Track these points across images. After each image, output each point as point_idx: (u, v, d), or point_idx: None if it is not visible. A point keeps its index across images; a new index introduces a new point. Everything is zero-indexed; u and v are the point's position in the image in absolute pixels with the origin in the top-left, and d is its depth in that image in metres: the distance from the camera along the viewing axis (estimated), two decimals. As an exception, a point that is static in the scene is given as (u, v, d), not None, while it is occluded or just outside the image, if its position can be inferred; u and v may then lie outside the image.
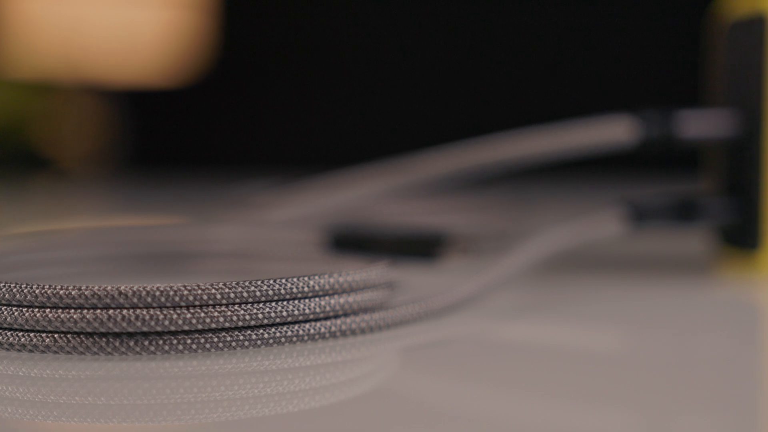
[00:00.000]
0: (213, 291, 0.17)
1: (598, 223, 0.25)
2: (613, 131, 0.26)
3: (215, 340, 0.18)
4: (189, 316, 0.17)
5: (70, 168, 1.11)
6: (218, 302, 0.17)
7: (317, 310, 0.18)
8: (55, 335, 0.17)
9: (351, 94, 0.80)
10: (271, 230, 0.27)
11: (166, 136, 1.07)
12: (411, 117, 0.76)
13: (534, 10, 0.74)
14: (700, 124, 0.27)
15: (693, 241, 0.32)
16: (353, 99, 0.79)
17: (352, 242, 0.24)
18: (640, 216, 0.26)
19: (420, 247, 0.24)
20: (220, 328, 0.18)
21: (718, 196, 0.27)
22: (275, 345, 0.18)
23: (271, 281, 0.18)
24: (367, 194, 0.28)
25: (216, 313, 0.17)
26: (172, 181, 0.85)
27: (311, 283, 0.18)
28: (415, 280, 0.24)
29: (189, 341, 0.18)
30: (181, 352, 0.18)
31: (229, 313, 0.18)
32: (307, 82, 0.83)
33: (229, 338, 0.18)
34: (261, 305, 0.18)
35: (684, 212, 0.27)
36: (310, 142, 0.79)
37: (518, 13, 0.76)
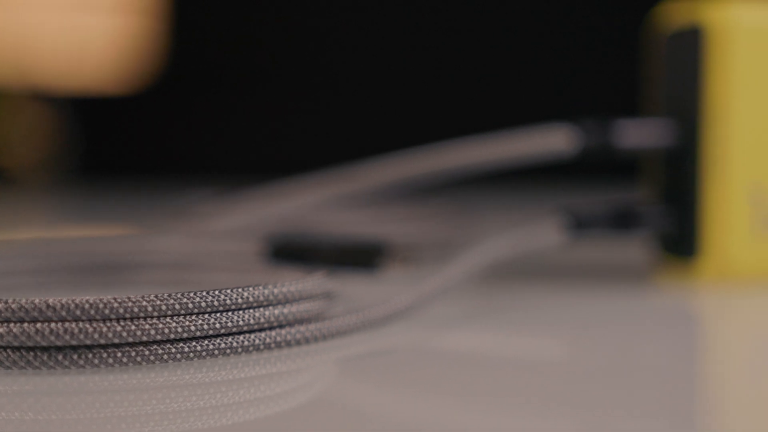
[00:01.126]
0: (144, 303, 0.17)
1: (537, 232, 0.26)
2: (553, 141, 0.26)
3: (146, 353, 0.17)
4: (119, 329, 0.17)
5: (18, 176, 1.09)
6: (150, 315, 0.17)
7: (252, 321, 0.18)
8: (-17, 349, 0.17)
9: (299, 103, 0.80)
10: (211, 240, 0.27)
11: (115, 144, 1.06)
12: (354, 126, 0.76)
13: (474, 20, 0.75)
14: (638, 134, 0.27)
15: (632, 249, 0.32)
16: (301, 108, 0.78)
17: (292, 252, 0.24)
18: (579, 225, 0.26)
19: (360, 257, 0.23)
20: (151, 341, 0.17)
21: (656, 204, 0.27)
22: (209, 358, 0.18)
23: (204, 293, 0.18)
24: (309, 204, 0.28)
25: (147, 326, 0.17)
26: (120, 189, 0.84)
27: (245, 294, 0.18)
28: (355, 290, 0.24)
29: (119, 354, 0.17)
30: (112, 365, 0.17)
31: (160, 325, 0.17)
32: (256, 90, 0.83)
33: (161, 351, 0.18)
34: (194, 317, 0.18)
35: (622, 221, 0.27)
36: (258, 150, 0.79)
37: (459, 24, 0.76)
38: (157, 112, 1.01)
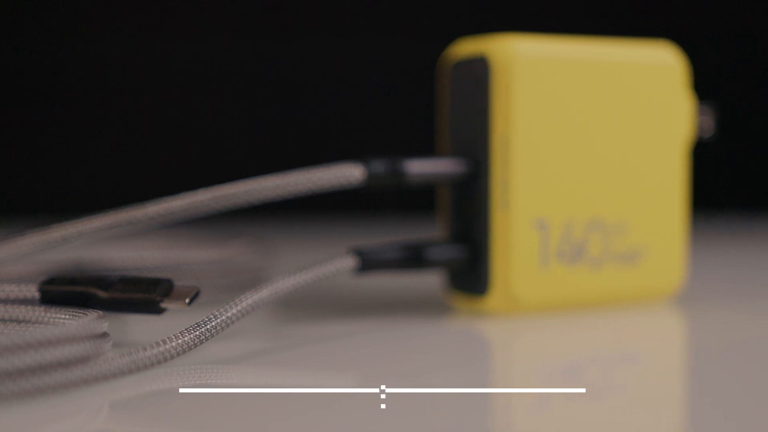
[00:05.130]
0: None
1: (327, 272, 0.25)
2: (342, 178, 0.26)
3: None
4: None
5: None
6: None
7: (13, 366, 0.17)
8: None
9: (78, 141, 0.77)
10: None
11: None
12: (145, 163, 0.74)
13: (263, 56, 0.75)
14: (427, 172, 0.27)
15: (426, 286, 0.32)
16: (79, 146, 0.75)
17: (67, 294, 0.23)
18: (370, 265, 0.26)
19: (140, 296, 0.23)
20: None
21: (447, 242, 0.28)
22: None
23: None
24: (91, 242, 0.27)
25: None
26: None
27: (8, 337, 0.17)
28: (134, 330, 0.23)
29: None
30: None
31: None
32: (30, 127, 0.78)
33: None
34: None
35: (413, 260, 0.27)
36: (35, 189, 0.75)
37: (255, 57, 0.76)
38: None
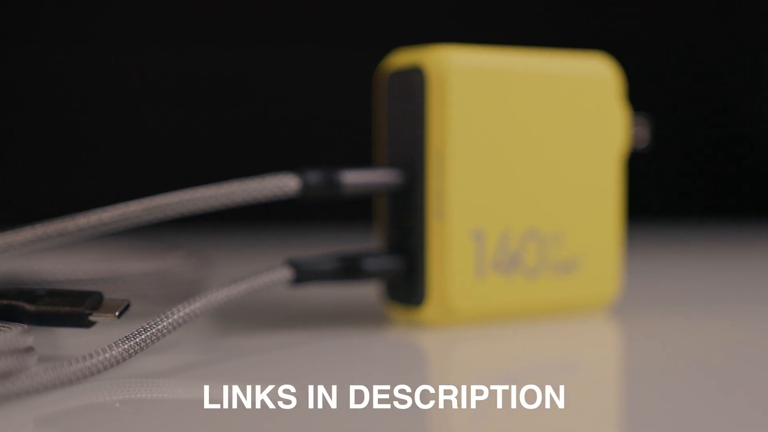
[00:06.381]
0: None
1: (262, 283, 0.25)
2: (277, 189, 0.26)
3: None
4: None
5: None
6: None
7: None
8: None
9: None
10: None
11: None
12: (79, 175, 0.73)
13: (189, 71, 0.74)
14: (362, 182, 0.27)
15: (365, 297, 0.32)
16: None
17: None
18: (305, 276, 0.26)
19: (69, 309, 0.22)
20: None
21: (383, 253, 0.28)
22: None
23: None
24: (23, 253, 0.26)
25: None
26: None
27: None
28: (64, 344, 0.22)
29: None
30: None
31: None
32: None
33: None
34: None
35: (349, 271, 0.27)
36: None
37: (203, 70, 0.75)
38: None
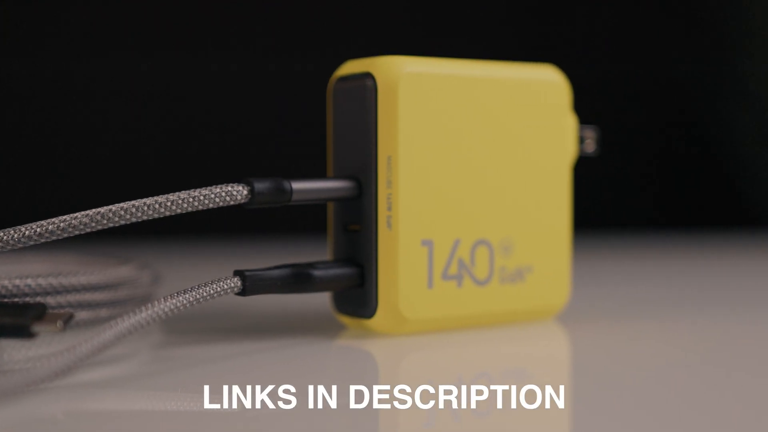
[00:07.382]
0: None
1: (210, 293, 0.25)
2: (226, 197, 0.26)
3: None
4: None
5: None
6: None
7: None
8: None
9: None
10: None
11: None
12: (26, 183, 0.72)
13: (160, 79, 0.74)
14: (311, 191, 0.27)
15: (318, 305, 0.32)
16: None
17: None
18: (255, 287, 0.26)
19: (12, 319, 0.22)
20: None
21: (333, 263, 0.27)
22: None
23: None
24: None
25: None
26: None
27: None
28: (7, 356, 0.22)
29: None
30: None
31: None
32: None
33: None
34: None
35: (298, 281, 0.27)
36: None
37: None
38: None
